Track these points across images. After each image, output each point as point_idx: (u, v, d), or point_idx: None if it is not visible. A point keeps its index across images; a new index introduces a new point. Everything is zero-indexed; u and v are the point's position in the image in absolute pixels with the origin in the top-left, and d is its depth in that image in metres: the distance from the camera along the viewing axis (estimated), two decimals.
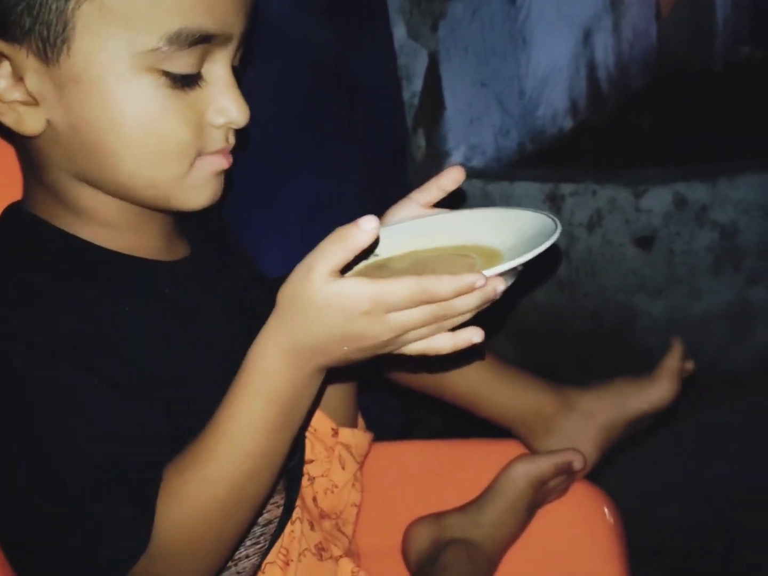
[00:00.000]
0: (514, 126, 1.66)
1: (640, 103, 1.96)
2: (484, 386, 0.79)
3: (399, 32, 1.36)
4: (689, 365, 0.82)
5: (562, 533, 0.77)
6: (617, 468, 1.24)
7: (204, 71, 0.54)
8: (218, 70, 0.54)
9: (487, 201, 1.47)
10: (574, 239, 1.41)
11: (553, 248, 0.49)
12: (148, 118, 0.52)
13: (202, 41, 0.52)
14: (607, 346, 1.44)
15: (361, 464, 0.78)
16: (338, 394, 0.76)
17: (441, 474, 0.82)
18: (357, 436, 0.77)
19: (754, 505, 1.20)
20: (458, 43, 1.47)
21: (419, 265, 0.56)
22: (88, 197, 0.56)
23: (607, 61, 1.95)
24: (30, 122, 0.53)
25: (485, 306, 0.49)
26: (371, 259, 0.58)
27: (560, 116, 1.80)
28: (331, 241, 0.48)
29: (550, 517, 0.78)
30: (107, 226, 0.57)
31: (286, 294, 0.49)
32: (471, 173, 1.50)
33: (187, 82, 0.53)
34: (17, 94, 0.52)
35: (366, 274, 0.55)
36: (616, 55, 1.98)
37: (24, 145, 0.56)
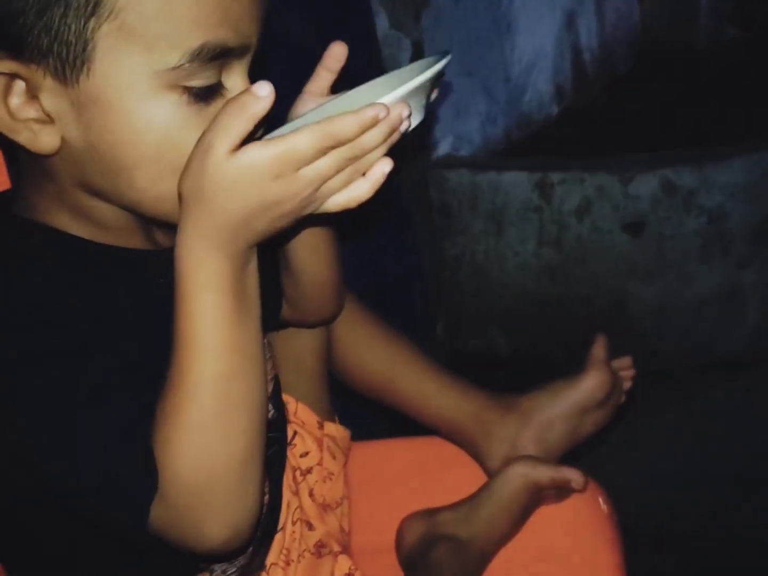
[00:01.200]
0: (501, 113, 1.66)
1: (626, 86, 1.96)
2: (426, 394, 0.80)
3: (381, 23, 1.35)
4: (625, 360, 0.82)
5: (557, 524, 0.78)
6: (613, 455, 1.24)
7: (223, 80, 0.53)
8: (236, 81, 0.53)
9: (475, 190, 1.46)
10: (564, 227, 1.41)
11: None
12: (169, 136, 0.51)
13: (223, 55, 0.51)
14: (601, 332, 1.45)
15: (345, 460, 0.79)
16: (316, 388, 0.78)
17: (432, 470, 0.83)
18: (340, 430, 0.79)
19: (751, 488, 1.21)
20: (442, 32, 1.46)
21: None
22: (90, 204, 0.56)
23: (591, 45, 1.94)
24: (44, 140, 0.52)
25: (396, 139, 0.48)
26: None
27: (547, 102, 1.80)
28: (226, 114, 0.45)
29: (544, 507, 0.78)
30: (101, 227, 0.57)
31: (189, 183, 0.47)
32: (459, 163, 1.50)
33: (210, 93, 0.52)
34: (32, 112, 0.51)
35: None
36: (599, 37, 1.97)
37: (31, 156, 0.54)
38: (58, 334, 0.51)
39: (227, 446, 0.49)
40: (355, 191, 0.49)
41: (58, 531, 0.57)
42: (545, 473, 0.75)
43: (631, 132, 1.67)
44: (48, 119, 0.51)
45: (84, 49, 0.49)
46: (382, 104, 0.46)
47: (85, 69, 0.50)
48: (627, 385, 0.82)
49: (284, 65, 1.10)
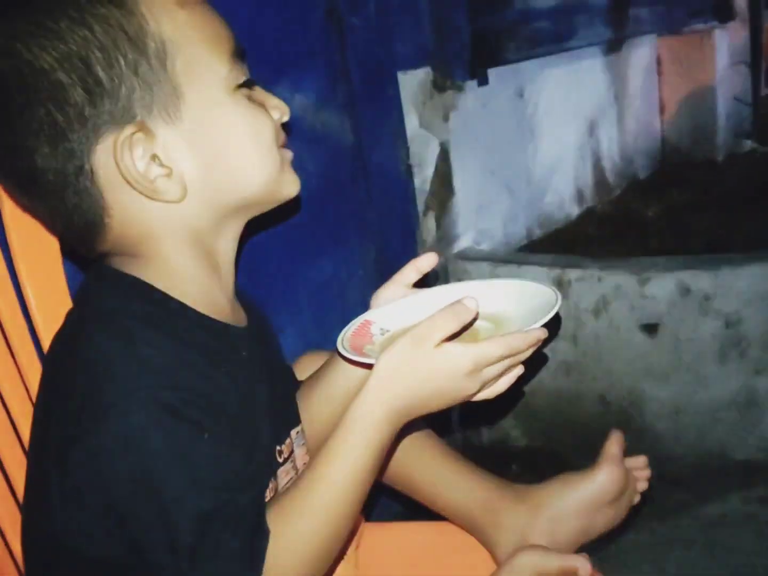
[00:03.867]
0: (522, 212, 1.70)
1: (645, 192, 2.02)
2: (439, 480, 0.82)
3: (411, 122, 1.41)
4: (640, 460, 0.83)
5: None
6: (622, 556, 1.22)
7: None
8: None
9: None
10: (581, 324, 1.43)
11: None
12: (252, 125, 0.62)
13: (241, 53, 0.63)
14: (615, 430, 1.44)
15: (357, 544, 0.80)
16: None
17: (443, 556, 0.82)
18: None
19: None
20: (469, 133, 1.53)
21: None
22: (182, 261, 0.62)
23: (612, 152, 2.01)
24: (173, 189, 0.60)
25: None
26: (389, 333, 0.66)
27: (567, 203, 1.85)
28: (444, 317, 0.57)
29: None
30: (189, 287, 0.62)
31: (394, 361, 0.57)
32: (480, 256, 1.54)
33: (248, 85, 0.63)
34: (156, 170, 0.60)
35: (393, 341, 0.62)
36: (620, 145, 2.04)
37: (140, 221, 0.61)
38: (178, 402, 0.55)
39: (324, 557, 0.58)
40: (497, 387, 0.61)
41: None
42: (553, 562, 0.74)
43: (648, 235, 1.71)
44: (169, 171, 0.59)
45: (175, 88, 0.58)
46: (544, 330, 0.59)
47: (181, 103, 0.59)
48: (642, 486, 0.82)
49: (322, 161, 1.17)
